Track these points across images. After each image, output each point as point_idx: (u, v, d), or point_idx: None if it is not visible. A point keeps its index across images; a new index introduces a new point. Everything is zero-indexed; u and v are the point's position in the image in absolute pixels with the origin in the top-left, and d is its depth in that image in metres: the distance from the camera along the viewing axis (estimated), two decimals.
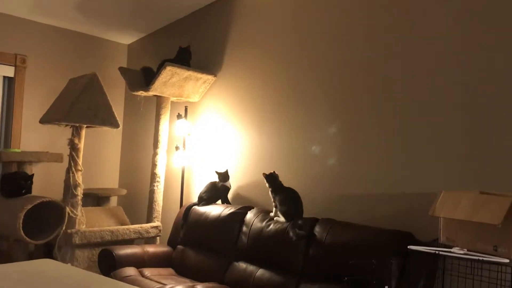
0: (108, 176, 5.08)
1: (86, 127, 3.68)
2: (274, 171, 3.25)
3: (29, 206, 3.34)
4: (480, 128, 2.57)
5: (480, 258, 1.98)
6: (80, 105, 3.48)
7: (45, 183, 4.32)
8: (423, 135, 2.80)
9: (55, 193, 3.86)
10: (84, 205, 4.00)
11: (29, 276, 2.11)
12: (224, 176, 3.73)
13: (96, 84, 3.60)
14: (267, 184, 3.22)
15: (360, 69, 3.16)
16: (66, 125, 3.67)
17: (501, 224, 1.93)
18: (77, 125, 3.57)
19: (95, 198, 4.59)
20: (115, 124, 3.66)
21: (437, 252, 2.09)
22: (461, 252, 2.07)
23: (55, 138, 4.42)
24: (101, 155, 5.00)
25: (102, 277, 2.21)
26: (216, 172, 3.75)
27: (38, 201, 3.40)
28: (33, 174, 3.75)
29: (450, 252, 2.09)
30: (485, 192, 2.25)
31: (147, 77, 4.03)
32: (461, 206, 2.13)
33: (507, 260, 1.94)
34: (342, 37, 3.29)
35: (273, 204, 3.18)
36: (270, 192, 3.21)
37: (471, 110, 2.61)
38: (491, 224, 1.96)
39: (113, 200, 4.98)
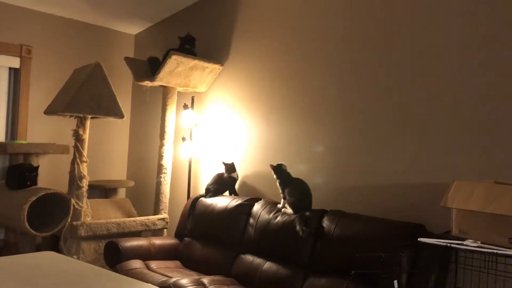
0: (116, 167, 5.05)
1: (91, 117, 3.62)
2: (282, 163, 3.17)
3: (34, 198, 3.31)
4: (494, 117, 2.46)
5: (495, 251, 1.88)
6: (82, 96, 3.42)
7: (52, 175, 4.30)
8: (435, 124, 2.70)
9: (62, 185, 3.83)
10: (92, 197, 3.98)
11: (27, 269, 2.07)
12: (230, 167, 3.66)
13: (100, 73, 3.53)
14: (274, 176, 3.14)
15: (371, 58, 3.06)
16: (71, 116, 3.62)
17: None
18: (81, 115, 3.52)
19: (103, 190, 4.56)
20: (119, 115, 3.60)
21: (448, 244, 1.99)
22: (474, 244, 1.97)
23: (61, 129, 4.39)
24: (109, 146, 4.97)
25: (102, 270, 2.16)
26: (223, 163, 3.68)
27: (43, 193, 3.37)
28: (38, 166, 3.72)
29: (463, 244, 1.99)
30: (500, 182, 2.15)
31: (153, 67, 3.97)
32: (475, 197, 2.03)
33: None
34: (352, 26, 3.19)
35: (281, 195, 3.11)
36: (278, 184, 3.13)
37: (484, 98, 2.51)
38: (506, 215, 1.86)
39: (122, 192, 4.95)
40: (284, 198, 3.10)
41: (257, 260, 3.06)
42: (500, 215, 1.91)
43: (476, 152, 2.52)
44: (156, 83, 3.94)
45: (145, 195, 4.76)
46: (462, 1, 2.64)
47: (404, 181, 2.79)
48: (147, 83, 3.99)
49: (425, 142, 2.74)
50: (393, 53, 2.93)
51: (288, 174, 3.15)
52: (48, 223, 3.52)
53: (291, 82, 3.54)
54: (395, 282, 2.10)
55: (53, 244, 3.77)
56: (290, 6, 3.61)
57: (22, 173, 3.59)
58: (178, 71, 3.87)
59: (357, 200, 3.04)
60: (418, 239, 2.15)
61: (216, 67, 4.05)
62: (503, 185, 2.07)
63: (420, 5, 2.82)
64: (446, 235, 2.23)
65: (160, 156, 4.05)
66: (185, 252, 3.55)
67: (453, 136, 2.62)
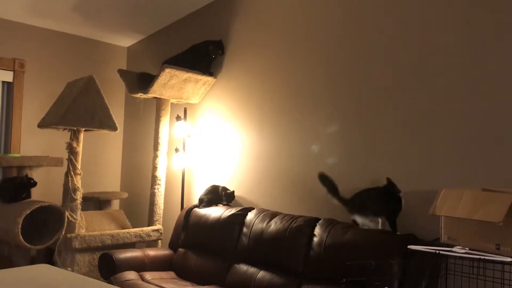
0: (110, 179, 5.06)
1: (85, 130, 3.65)
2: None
3: (28, 211, 3.32)
4: (482, 124, 2.51)
5: (482, 257, 1.92)
6: (76, 109, 3.45)
7: (46, 187, 4.30)
8: (424, 132, 2.75)
9: (56, 198, 3.84)
10: (85, 209, 3.99)
11: (21, 282, 2.08)
12: (230, 195, 3.72)
13: (93, 86, 3.56)
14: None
15: (363, 67, 3.11)
16: (64, 129, 3.65)
17: (503, 222, 1.87)
18: (75, 128, 3.54)
19: (97, 202, 4.56)
20: (113, 127, 3.62)
21: (437, 251, 2.03)
22: (463, 251, 2.01)
23: (55, 142, 4.41)
24: (103, 158, 4.98)
25: (97, 281, 2.17)
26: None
27: (37, 206, 3.38)
28: (32, 179, 3.72)
29: (451, 251, 2.03)
30: (487, 189, 2.19)
31: (144, 82, 3.99)
32: (462, 204, 2.07)
33: (509, 259, 1.88)
34: (344, 34, 3.24)
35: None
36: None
37: (473, 107, 2.56)
38: (493, 222, 1.91)
39: (115, 204, 4.96)
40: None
41: (251, 270, 3.08)
42: (487, 221, 1.95)
43: (465, 159, 2.57)
44: (150, 95, 3.97)
45: (139, 206, 4.77)
46: (462, 5, 2.70)
47: None
48: (140, 95, 4.03)
49: (414, 150, 2.79)
50: (386, 62, 2.98)
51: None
52: (42, 235, 3.52)
53: (284, 93, 3.58)
54: None
55: (48, 257, 3.77)
56: (282, 17, 3.67)
57: (16, 186, 3.60)
58: (172, 84, 3.91)
59: None
60: (408, 247, 2.19)
61: (209, 79, 4.09)
62: (490, 192, 2.12)
63: (417, 6, 2.88)
64: (436, 242, 2.27)
65: (154, 167, 4.08)
66: (179, 263, 3.56)
67: (442, 144, 2.66)
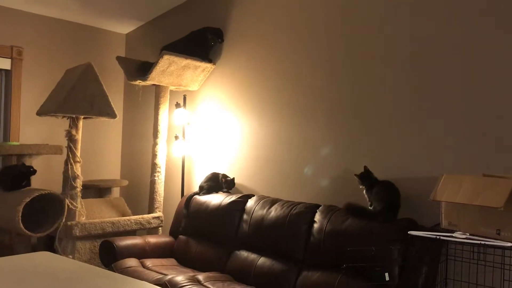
0: (110, 167, 5.06)
1: (84, 118, 3.63)
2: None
3: (28, 199, 3.32)
4: (483, 110, 2.50)
5: (482, 242, 1.92)
6: (75, 96, 3.43)
7: (46, 175, 4.30)
8: (424, 118, 2.74)
9: (56, 185, 3.84)
10: (86, 197, 3.98)
11: (22, 270, 2.08)
12: (230, 182, 3.71)
13: (91, 74, 3.54)
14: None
15: (363, 55, 3.09)
16: (64, 117, 3.63)
17: (504, 207, 1.86)
18: (74, 116, 3.53)
19: (97, 190, 4.56)
20: (112, 114, 3.61)
21: (438, 237, 2.03)
22: (463, 236, 2.01)
23: (54, 130, 4.39)
24: (103, 146, 4.97)
25: (97, 268, 2.18)
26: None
27: (37, 194, 3.37)
28: (32, 167, 3.72)
29: (452, 236, 2.03)
30: (488, 175, 2.19)
31: (143, 70, 3.96)
32: (463, 190, 2.07)
33: (510, 244, 1.88)
34: (343, 24, 3.22)
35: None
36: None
37: (473, 92, 2.54)
38: (493, 207, 1.90)
39: (116, 191, 4.96)
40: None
41: (252, 256, 3.09)
42: (487, 207, 1.95)
43: (465, 145, 2.56)
44: (149, 82, 3.95)
45: (139, 194, 4.78)
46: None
47: (395, 176, 2.82)
48: (139, 83, 4.01)
49: (415, 136, 2.78)
50: (385, 50, 2.97)
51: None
52: (43, 223, 3.52)
53: (283, 80, 3.56)
54: (386, 274, 2.14)
55: (48, 245, 3.78)
56: (282, 4, 3.63)
57: (16, 174, 3.59)
58: (171, 71, 3.88)
59: (350, 195, 3.07)
60: (408, 232, 2.19)
61: (208, 66, 4.06)
62: (490, 177, 2.11)
63: (416, 2, 2.86)
64: (436, 227, 2.27)
65: (154, 155, 4.07)
66: (180, 250, 3.57)
67: (442, 130, 2.66)
